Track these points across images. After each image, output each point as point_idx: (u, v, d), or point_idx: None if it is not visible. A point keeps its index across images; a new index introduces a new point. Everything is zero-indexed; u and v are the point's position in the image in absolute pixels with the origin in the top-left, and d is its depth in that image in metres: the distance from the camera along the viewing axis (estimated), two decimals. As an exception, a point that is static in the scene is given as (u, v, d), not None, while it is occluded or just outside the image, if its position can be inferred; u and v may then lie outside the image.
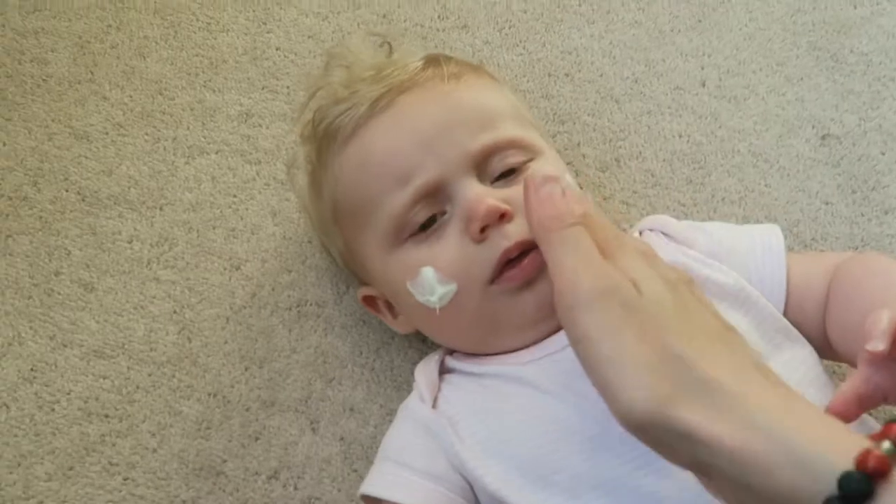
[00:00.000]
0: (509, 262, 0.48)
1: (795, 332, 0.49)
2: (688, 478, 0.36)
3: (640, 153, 0.69)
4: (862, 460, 0.29)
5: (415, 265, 0.49)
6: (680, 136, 0.69)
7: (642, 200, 0.67)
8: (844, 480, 0.28)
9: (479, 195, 0.48)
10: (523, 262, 0.48)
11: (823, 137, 0.69)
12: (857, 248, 0.64)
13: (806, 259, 0.54)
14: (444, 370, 0.54)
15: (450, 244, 0.49)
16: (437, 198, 0.50)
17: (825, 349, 0.50)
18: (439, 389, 0.52)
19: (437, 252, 0.49)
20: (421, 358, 0.57)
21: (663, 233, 0.54)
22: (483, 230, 0.48)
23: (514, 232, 0.48)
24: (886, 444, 0.29)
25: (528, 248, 0.48)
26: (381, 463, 0.50)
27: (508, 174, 0.51)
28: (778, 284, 0.50)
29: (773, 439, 0.31)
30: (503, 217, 0.48)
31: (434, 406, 0.51)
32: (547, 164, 0.52)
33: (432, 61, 0.54)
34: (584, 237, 0.39)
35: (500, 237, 0.48)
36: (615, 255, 0.39)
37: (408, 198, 0.49)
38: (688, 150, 0.69)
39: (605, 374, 0.34)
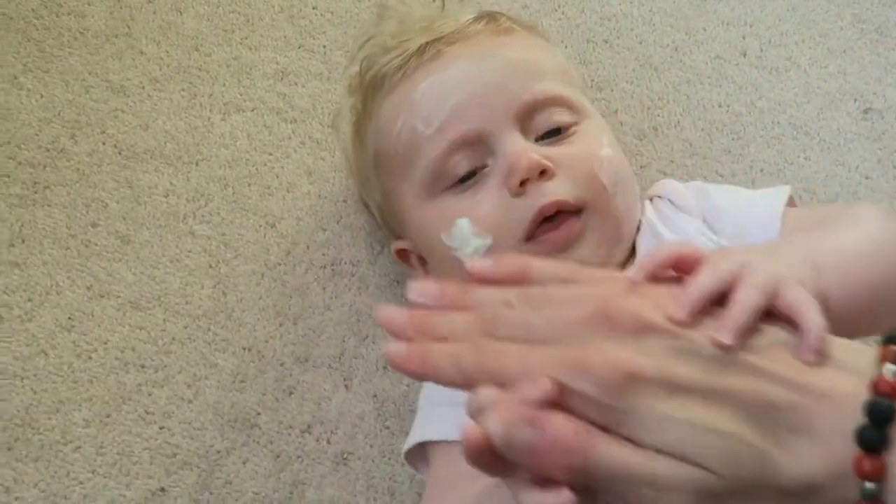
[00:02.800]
0: (545, 220, 0.48)
1: None
2: None
3: (679, 122, 0.68)
4: (877, 387, 0.28)
5: (451, 216, 0.49)
6: (719, 106, 0.69)
7: (680, 170, 0.66)
8: (873, 408, 0.28)
9: (522, 148, 0.48)
10: (561, 227, 0.48)
11: (865, 111, 0.68)
12: None
13: (803, 215, 0.51)
14: None
15: (488, 197, 0.49)
16: (478, 149, 0.49)
17: None
18: None
19: (474, 204, 0.49)
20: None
21: (669, 200, 0.54)
22: (522, 184, 0.47)
23: (554, 190, 0.48)
24: (892, 367, 0.29)
25: (565, 209, 0.48)
26: (424, 411, 0.51)
27: (553, 134, 0.50)
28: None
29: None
30: (544, 174, 0.47)
31: None
32: (592, 129, 0.51)
33: (485, 16, 0.54)
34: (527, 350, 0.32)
35: (538, 193, 0.47)
36: None
37: (446, 145, 0.49)
38: (727, 120, 0.68)
39: None
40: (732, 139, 0.67)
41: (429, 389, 0.53)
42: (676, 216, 0.52)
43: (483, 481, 0.37)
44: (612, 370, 0.30)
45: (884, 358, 0.29)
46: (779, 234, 0.48)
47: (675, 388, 0.30)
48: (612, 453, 0.30)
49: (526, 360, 0.31)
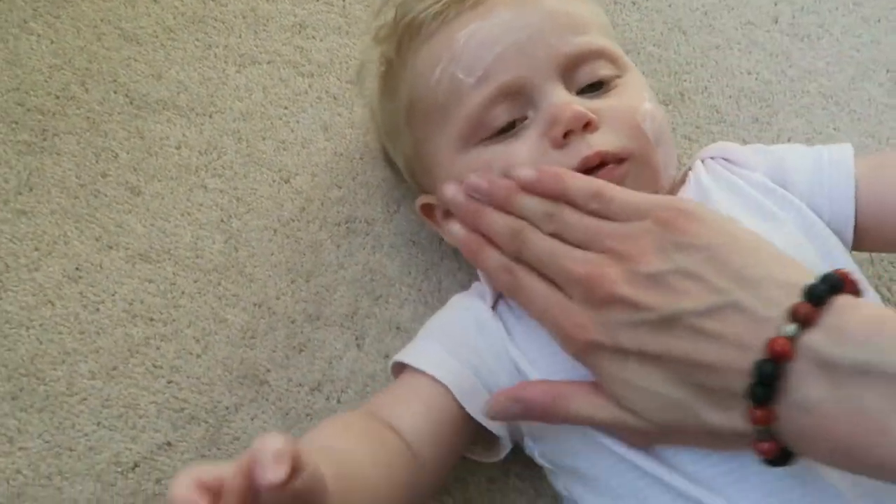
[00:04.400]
0: (587, 171, 0.46)
1: (854, 265, 0.47)
2: None
3: (706, 88, 0.66)
4: (770, 347, 0.32)
5: (487, 166, 0.48)
6: (748, 73, 0.67)
7: (705, 136, 0.64)
8: (757, 369, 0.32)
9: (566, 100, 0.46)
10: (602, 171, 0.46)
11: (898, 82, 0.66)
12: (925, 199, 0.62)
13: (876, 158, 0.51)
14: None
15: (527, 145, 0.47)
16: (518, 101, 0.48)
17: None
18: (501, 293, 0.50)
19: (512, 152, 0.47)
20: (471, 281, 0.56)
21: (724, 158, 0.52)
22: (566, 136, 0.46)
23: (598, 142, 0.46)
24: (790, 328, 0.32)
25: (609, 160, 0.46)
26: (425, 340, 0.50)
27: (596, 87, 0.49)
28: (846, 199, 0.48)
29: None
30: (588, 126, 0.46)
31: (494, 308, 0.49)
32: (634, 83, 0.50)
33: None
34: (537, 284, 0.42)
35: (582, 144, 0.46)
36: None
37: (488, 95, 0.47)
38: (756, 87, 0.66)
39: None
40: (761, 107, 0.65)
41: (435, 321, 0.52)
42: (734, 170, 0.50)
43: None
44: (576, 338, 0.39)
45: (791, 315, 0.33)
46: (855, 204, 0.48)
47: (623, 353, 0.37)
48: (577, 408, 0.40)
49: (534, 298, 0.42)
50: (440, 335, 0.49)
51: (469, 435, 0.47)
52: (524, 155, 0.47)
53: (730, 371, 0.34)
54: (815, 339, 0.32)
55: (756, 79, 0.67)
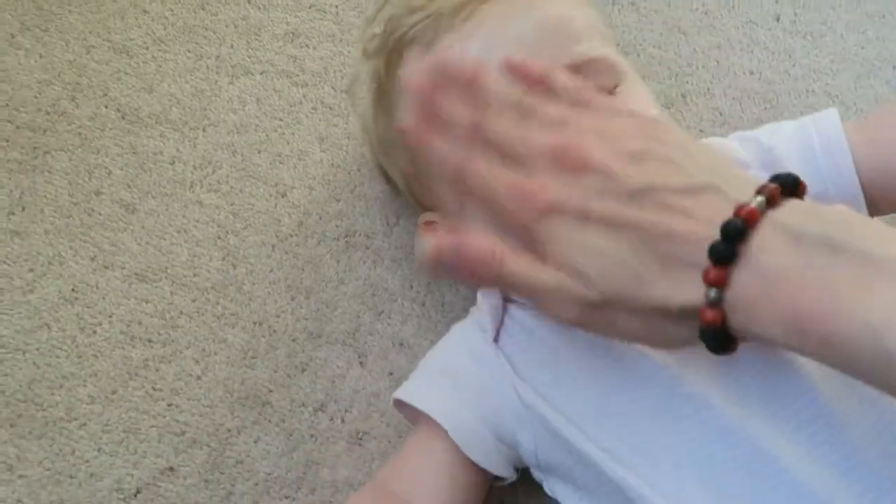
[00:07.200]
0: None
1: None
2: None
3: (708, 89, 0.65)
4: (738, 212, 0.32)
5: None
6: (751, 73, 0.66)
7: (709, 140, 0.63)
8: (724, 227, 0.32)
9: None
10: None
11: (904, 80, 0.65)
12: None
13: (866, 125, 0.50)
14: (507, 299, 0.52)
15: None
16: None
17: None
18: (502, 322, 0.49)
19: None
20: (474, 295, 0.55)
21: None
22: None
23: None
24: (759, 199, 0.32)
25: None
26: (427, 374, 0.49)
27: None
28: (849, 181, 0.47)
29: None
30: None
31: (496, 340, 0.48)
32: (635, 90, 0.49)
33: None
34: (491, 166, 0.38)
35: None
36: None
37: None
38: (759, 88, 0.65)
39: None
40: (764, 108, 0.64)
41: (435, 353, 0.51)
42: None
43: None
44: (536, 198, 0.36)
45: (758, 191, 0.33)
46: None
47: (585, 219, 0.35)
48: (516, 267, 0.36)
49: (488, 178, 0.37)
50: (440, 374, 0.48)
51: (484, 478, 0.47)
52: None
53: (693, 240, 0.33)
54: (783, 213, 0.32)
55: (759, 79, 0.65)
